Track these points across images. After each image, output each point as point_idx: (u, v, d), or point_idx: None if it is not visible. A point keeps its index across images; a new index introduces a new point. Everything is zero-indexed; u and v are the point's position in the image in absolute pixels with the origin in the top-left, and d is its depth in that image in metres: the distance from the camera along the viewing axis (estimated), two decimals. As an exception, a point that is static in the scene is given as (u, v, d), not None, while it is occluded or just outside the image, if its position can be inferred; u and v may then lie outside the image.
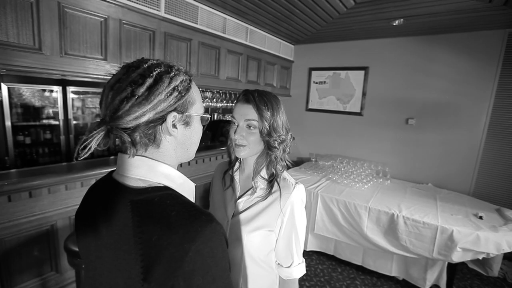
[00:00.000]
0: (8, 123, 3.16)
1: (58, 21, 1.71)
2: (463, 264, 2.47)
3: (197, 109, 0.62)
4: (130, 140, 0.53)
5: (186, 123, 0.60)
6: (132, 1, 2.05)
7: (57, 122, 3.59)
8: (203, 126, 0.67)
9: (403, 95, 3.38)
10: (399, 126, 3.43)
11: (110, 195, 0.57)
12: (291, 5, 2.55)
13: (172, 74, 0.55)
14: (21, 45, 1.59)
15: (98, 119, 0.55)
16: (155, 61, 0.56)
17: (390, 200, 2.50)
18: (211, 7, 2.67)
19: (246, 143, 0.88)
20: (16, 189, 1.61)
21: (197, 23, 2.59)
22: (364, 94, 3.65)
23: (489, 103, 2.91)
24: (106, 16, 1.93)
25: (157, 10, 2.23)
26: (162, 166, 0.57)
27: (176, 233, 0.47)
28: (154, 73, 0.53)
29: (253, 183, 0.92)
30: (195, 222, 0.49)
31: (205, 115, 0.65)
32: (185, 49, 2.55)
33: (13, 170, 1.90)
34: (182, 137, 0.60)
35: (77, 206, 0.65)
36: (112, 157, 2.61)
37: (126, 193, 0.54)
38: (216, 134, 3.72)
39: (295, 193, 0.89)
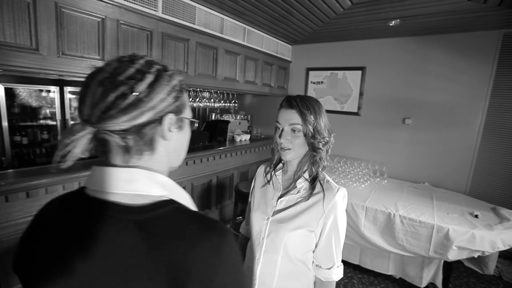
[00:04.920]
0: (5, 123, 3.14)
1: (55, 21, 1.71)
2: (459, 262, 2.49)
3: (188, 113, 0.57)
4: (124, 144, 0.47)
5: (180, 127, 0.55)
6: (129, 1, 2.05)
7: (54, 123, 3.58)
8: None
9: (400, 95, 3.40)
10: (396, 125, 3.45)
11: (98, 220, 0.46)
12: (288, 5, 2.56)
13: (170, 72, 0.51)
14: (18, 45, 1.58)
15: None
16: (149, 58, 0.51)
17: (387, 199, 2.52)
18: (208, 7, 2.68)
19: (292, 146, 0.92)
20: (13, 189, 1.61)
21: (194, 24, 2.60)
22: (361, 94, 3.67)
23: (485, 102, 2.93)
24: (104, 16, 1.93)
25: (154, 10, 2.23)
26: (160, 176, 0.51)
27: (202, 246, 0.44)
28: (153, 70, 0.48)
29: (296, 184, 0.95)
30: (215, 233, 0.47)
31: (194, 120, 0.61)
32: (183, 49, 2.56)
33: (10, 170, 1.89)
34: (175, 142, 0.55)
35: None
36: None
37: (125, 213, 0.46)
38: (214, 134, 3.72)
39: (339, 195, 0.91)
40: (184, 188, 2.83)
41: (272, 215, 0.97)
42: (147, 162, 0.51)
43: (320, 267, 0.94)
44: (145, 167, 0.50)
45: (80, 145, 0.44)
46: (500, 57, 2.82)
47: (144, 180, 0.48)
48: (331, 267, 0.93)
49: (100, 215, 0.47)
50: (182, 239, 0.45)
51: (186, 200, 0.54)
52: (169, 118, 0.50)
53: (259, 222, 1.00)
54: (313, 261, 0.96)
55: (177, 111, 0.52)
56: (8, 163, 3.18)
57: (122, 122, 0.45)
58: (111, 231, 0.45)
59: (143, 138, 0.48)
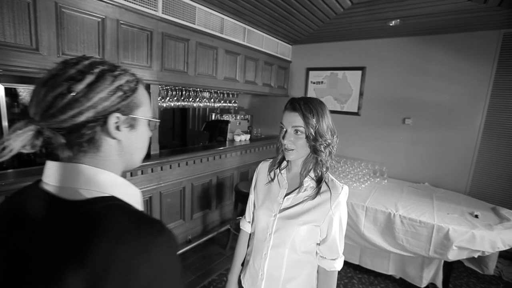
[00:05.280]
0: (5, 123, 3.14)
1: (56, 21, 1.71)
2: (459, 262, 2.49)
3: (144, 113, 0.57)
4: (65, 142, 0.49)
5: (131, 126, 0.55)
6: (129, 1, 2.05)
7: (54, 123, 3.57)
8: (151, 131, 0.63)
9: (400, 95, 3.40)
10: (396, 125, 3.45)
11: (42, 211, 0.49)
12: (288, 5, 2.56)
13: (116, 73, 0.52)
14: (18, 45, 1.58)
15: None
16: (98, 59, 0.53)
17: (387, 199, 2.52)
18: (208, 7, 2.68)
19: (294, 147, 0.96)
20: (13, 189, 1.61)
21: (194, 24, 2.60)
22: (361, 94, 3.67)
23: (485, 102, 2.93)
24: (104, 16, 1.93)
25: (154, 10, 2.23)
26: (104, 173, 0.52)
27: (126, 245, 0.43)
28: (96, 70, 0.49)
29: (303, 182, 1.00)
30: (147, 232, 0.46)
31: (153, 119, 0.61)
32: (183, 49, 2.56)
33: (10, 171, 1.89)
34: (127, 141, 0.55)
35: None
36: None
37: (63, 207, 0.48)
38: (214, 134, 3.72)
39: (343, 193, 0.98)
40: (184, 188, 2.83)
41: (279, 212, 1.01)
42: (93, 159, 0.52)
43: (325, 258, 1.01)
44: (90, 164, 0.51)
45: (19, 141, 0.46)
46: (500, 57, 2.82)
47: (86, 176, 0.50)
48: (335, 258, 1.00)
49: (48, 208, 0.49)
50: (105, 238, 0.43)
51: (132, 198, 0.54)
52: (115, 117, 0.51)
53: (266, 218, 1.04)
54: (316, 252, 1.03)
55: (126, 110, 0.53)
56: (8, 163, 3.17)
57: (62, 121, 0.47)
58: (53, 225, 0.46)
59: (85, 136, 0.50)
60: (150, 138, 2.39)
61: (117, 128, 0.52)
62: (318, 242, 1.01)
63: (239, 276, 1.17)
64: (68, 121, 0.47)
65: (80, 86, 0.47)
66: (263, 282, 1.03)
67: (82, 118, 0.47)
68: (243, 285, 1.13)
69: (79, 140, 0.50)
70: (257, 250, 1.06)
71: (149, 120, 0.60)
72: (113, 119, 0.51)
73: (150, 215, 0.50)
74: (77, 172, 0.50)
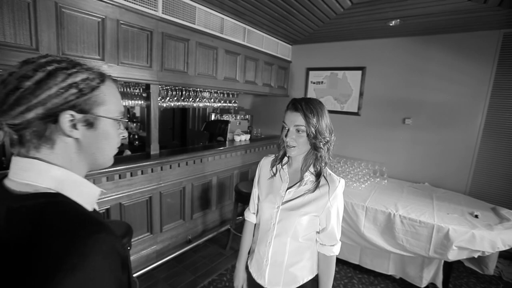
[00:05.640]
0: (5, 123, 3.15)
1: (56, 21, 1.71)
2: (459, 262, 2.49)
3: (107, 111, 0.55)
4: (16, 137, 0.50)
5: (90, 125, 0.53)
6: (129, 1, 2.06)
7: (54, 123, 3.57)
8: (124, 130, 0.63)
9: (400, 95, 3.40)
10: (396, 125, 3.45)
11: None
12: (288, 5, 2.56)
13: (72, 70, 0.51)
14: (18, 45, 1.59)
15: None
16: (58, 58, 0.52)
17: (387, 199, 2.52)
18: (208, 7, 2.68)
19: (296, 144, 1.04)
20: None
21: (194, 24, 2.60)
22: (361, 94, 3.67)
23: (485, 102, 2.93)
24: (104, 16, 1.93)
25: (154, 10, 2.23)
26: (57, 170, 0.51)
27: (49, 245, 0.41)
28: (49, 68, 0.49)
29: (304, 177, 1.09)
30: (78, 232, 0.43)
31: (116, 119, 0.58)
32: (183, 49, 2.56)
33: (10, 171, 1.89)
34: (85, 140, 0.54)
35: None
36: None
37: (5, 200, 0.48)
38: (214, 134, 3.72)
39: (340, 186, 1.07)
40: (184, 188, 2.82)
41: (282, 204, 1.10)
42: (48, 155, 0.51)
43: (325, 245, 1.11)
44: (44, 160, 0.51)
45: None
46: (500, 57, 2.82)
47: (35, 172, 0.50)
48: (334, 244, 1.10)
49: None
50: (33, 235, 0.42)
51: (84, 197, 0.53)
52: (69, 115, 0.51)
53: (270, 210, 1.13)
54: (316, 240, 1.12)
55: (84, 108, 0.52)
56: (8, 163, 3.18)
57: (13, 117, 0.48)
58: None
59: (35, 132, 0.50)
60: (149, 138, 2.37)
61: (74, 126, 0.51)
62: (318, 231, 1.11)
63: (246, 262, 1.27)
64: (18, 117, 0.48)
65: (28, 83, 0.47)
66: (268, 267, 1.13)
67: (31, 114, 0.48)
68: (250, 269, 1.23)
69: (30, 136, 0.50)
70: (262, 238, 1.16)
71: (115, 120, 0.57)
72: (66, 117, 0.50)
73: (92, 217, 0.47)
74: (29, 166, 0.50)
